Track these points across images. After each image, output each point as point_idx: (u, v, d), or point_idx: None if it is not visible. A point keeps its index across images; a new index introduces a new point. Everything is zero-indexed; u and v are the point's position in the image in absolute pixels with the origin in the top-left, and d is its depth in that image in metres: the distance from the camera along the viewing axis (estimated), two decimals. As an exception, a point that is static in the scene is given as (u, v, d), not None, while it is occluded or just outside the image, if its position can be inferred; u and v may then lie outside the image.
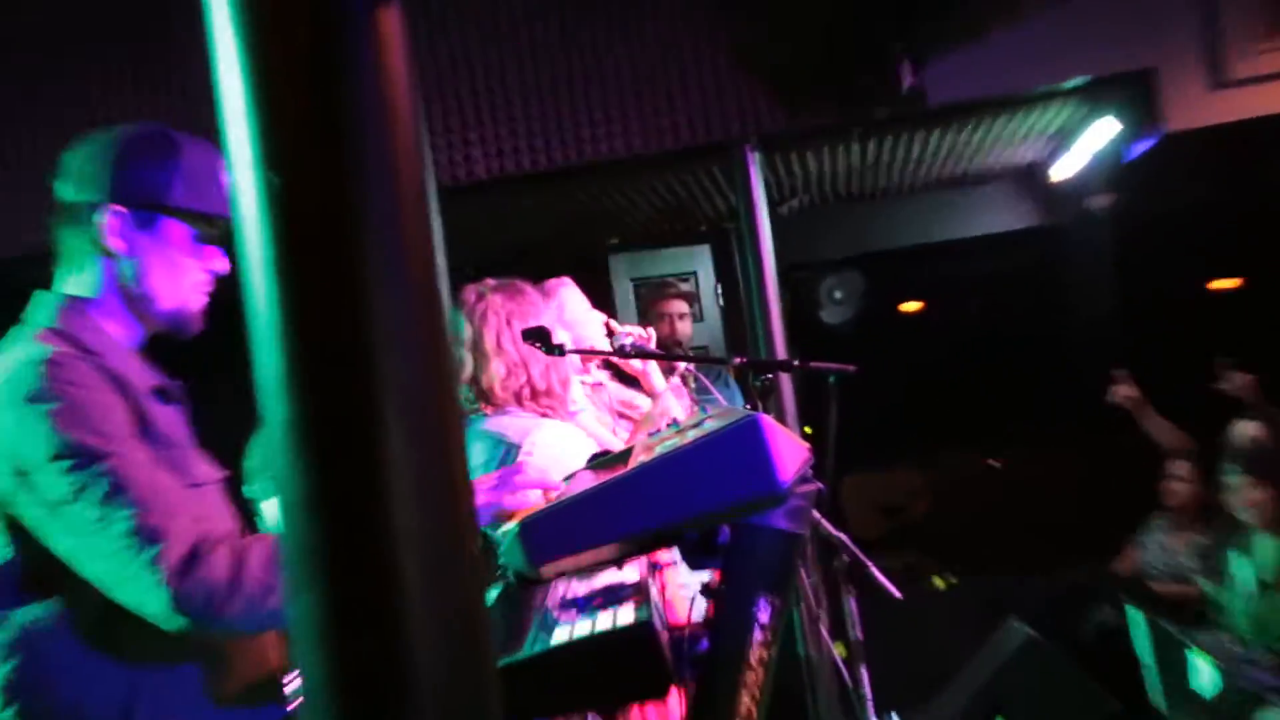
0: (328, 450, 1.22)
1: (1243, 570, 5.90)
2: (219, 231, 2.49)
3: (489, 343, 3.80)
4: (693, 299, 6.92)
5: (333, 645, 1.23)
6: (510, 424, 3.77)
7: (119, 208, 2.39)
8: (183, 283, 2.48)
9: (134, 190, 2.41)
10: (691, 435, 2.13)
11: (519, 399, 3.82)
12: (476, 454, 3.71)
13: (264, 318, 1.24)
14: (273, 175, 1.22)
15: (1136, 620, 6.38)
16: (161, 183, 2.42)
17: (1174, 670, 5.61)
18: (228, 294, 2.51)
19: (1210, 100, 5.83)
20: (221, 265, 2.51)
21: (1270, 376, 6.59)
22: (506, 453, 3.65)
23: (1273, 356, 6.91)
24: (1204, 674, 5.17)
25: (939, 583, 7.71)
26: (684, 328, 6.53)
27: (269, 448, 1.25)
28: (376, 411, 1.22)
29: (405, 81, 1.27)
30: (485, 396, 3.81)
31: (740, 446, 1.97)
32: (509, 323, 3.81)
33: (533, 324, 3.73)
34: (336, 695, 1.23)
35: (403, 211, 1.26)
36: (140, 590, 2.15)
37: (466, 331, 3.79)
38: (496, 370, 3.77)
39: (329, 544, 1.23)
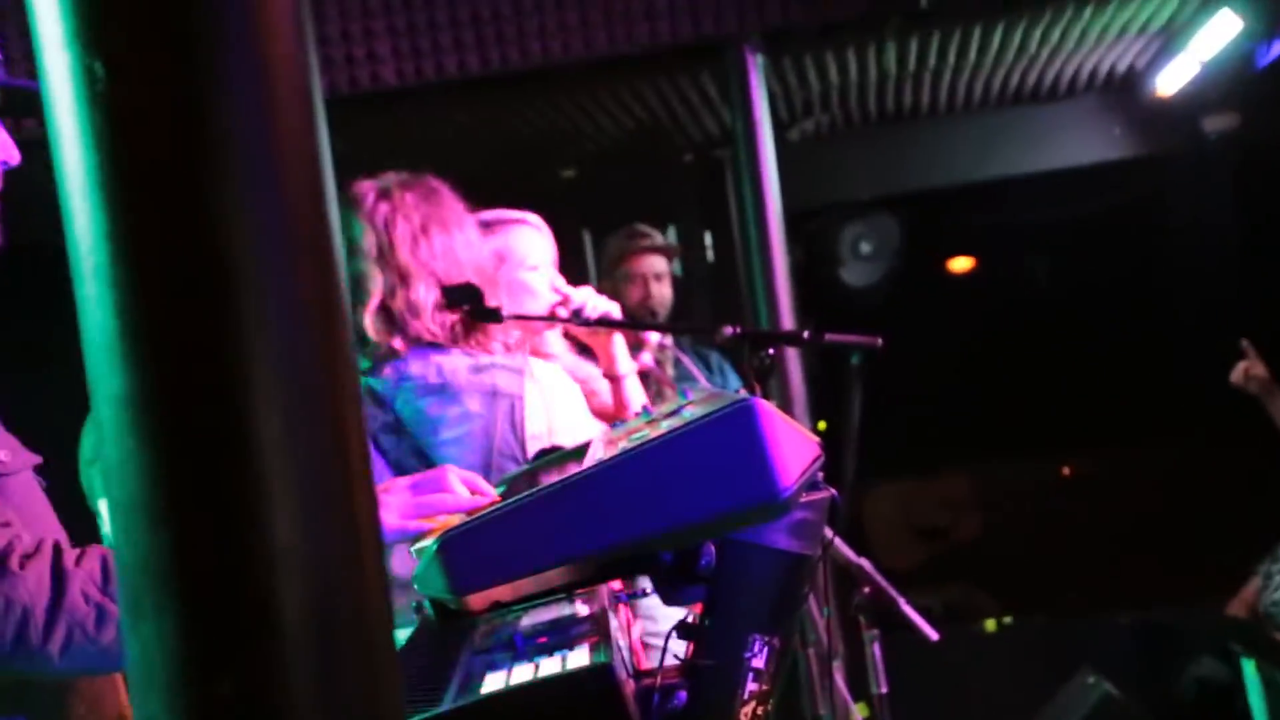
0: (178, 433, 1.21)
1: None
2: None
3: (403, 255, 3.74)
4: (673, 254, 6.75)
5: (183, 691, 1.22)
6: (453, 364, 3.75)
7: None
8: None
9: None
10: (666, 426, 2.13)
11: (453, 335, 3.80)
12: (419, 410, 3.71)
13: (90, 257, 1.23)
14: (95, 63, 1.21)
15: (1252, 674, 6.44)
16: None
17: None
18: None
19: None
20: (6, 152, 2.49)
21: None
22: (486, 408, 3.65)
23: None
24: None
25: (990, 625, 7.75)
26: (661, 292, 6.26)
27: (100, 431, 1.24)
28: (244, 381, 1.21)
29: None
30: (404, 329, 3.76)
31: (729, 440, 1.96)
32: (425, 231, 3.77)
33: (458, 250, 3.68)
34: None
35: (276, 116, 1.24)
36: None
37: (368, 239, 3.73)
38: (422, 295, 3.72)
39: (179, 557, 1.22)
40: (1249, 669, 6.51)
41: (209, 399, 1.20)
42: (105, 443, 1.25)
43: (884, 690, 4.85)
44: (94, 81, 1.20)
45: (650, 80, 6.43)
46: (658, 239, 6.27)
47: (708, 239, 7.83)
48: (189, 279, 1.20)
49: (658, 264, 6.15)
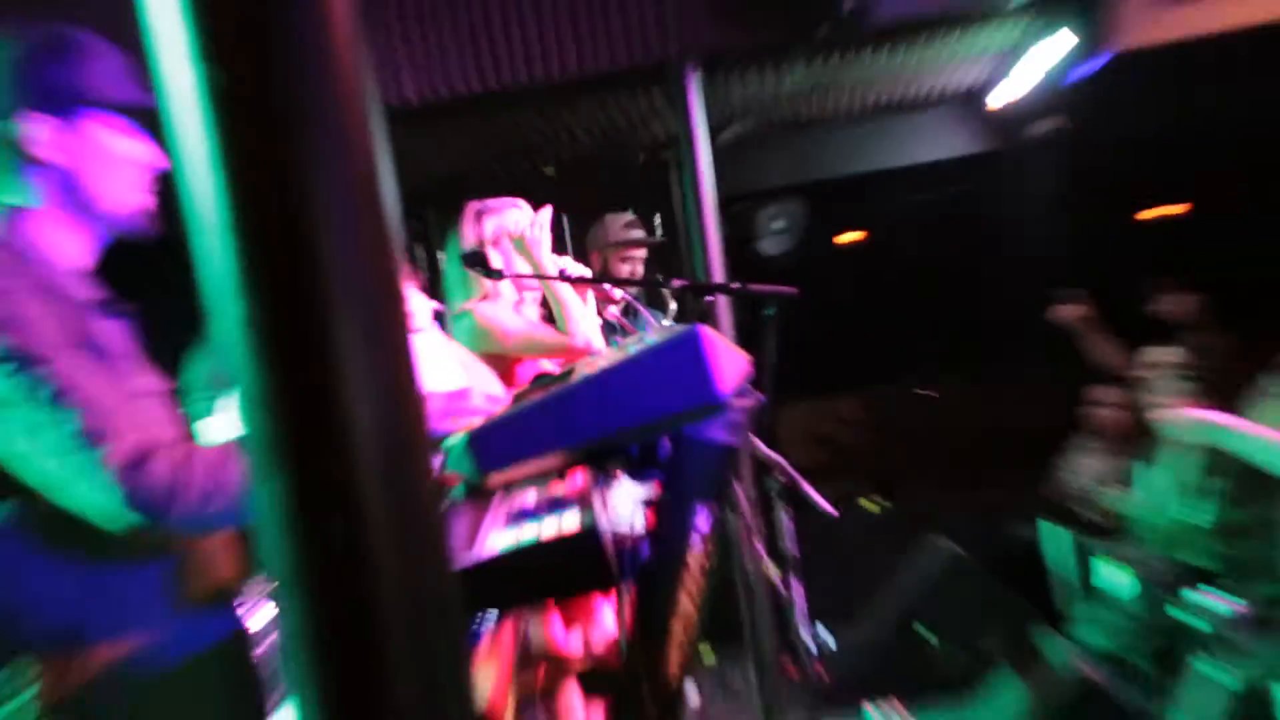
0: (282, 343, 1.25)
1: (1154, 484, 6.07)
2: (139, 122, 2.48)
3: None
4: (655, 245, 6.68)
5: (298, 529, 1.26)
6: None
7: (36, 114, 2.38)
8: (119, 180, 2.47)
9: (47, 93, 2.39)
10: (633, 350, 2.17)
11: None
12: None
13: (210, 216, 1.25)
14: (216, 70, 1.22)
15: (1053, 535, 6.57)
16: (73, 81, 2.41)
17: (1087, 580, 5.77)
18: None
19: (1162, 15, 5.87)
20: (156, 158, 2.51)
21: (1213, 299, 6.71)
22: None
23: (1216, 280, 7.04)
24: (1117, 581, 5.32)
25: (870, 506, 7.81)
26: (639, 269, 6.31)
27: (222, 347, 1.27)
28: (328, 304, 1.24)
29: None
30: None
31: (680, 357, 1.98)
32: None
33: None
34: (305, 574, 1.26)
35: (346, 110, 1.27)
36: (88, 490, 2.17)
37: None
38: None
39: (291, 432, 1.26)
40: (1049, 529, 6.67)
41: (298, 320, 1.24)
42: (229, 353, 1.26)
43: (794, 551, 4.91)
44: (214, 83, 1.22)
45: (611, 95, 6.39)
46: (646, 235, 6.24)
47: (657, 220, 7.79)
48: (282, 232, 1.24)
49: (642, 250, 6.18)
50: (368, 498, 1.26)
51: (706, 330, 2.00)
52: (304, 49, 1.26)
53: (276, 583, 1.30)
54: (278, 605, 1.30)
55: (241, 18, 1.24)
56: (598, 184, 7.55)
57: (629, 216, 6.13)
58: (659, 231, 7.78)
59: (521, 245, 4.38)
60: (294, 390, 1.27)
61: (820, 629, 6.10)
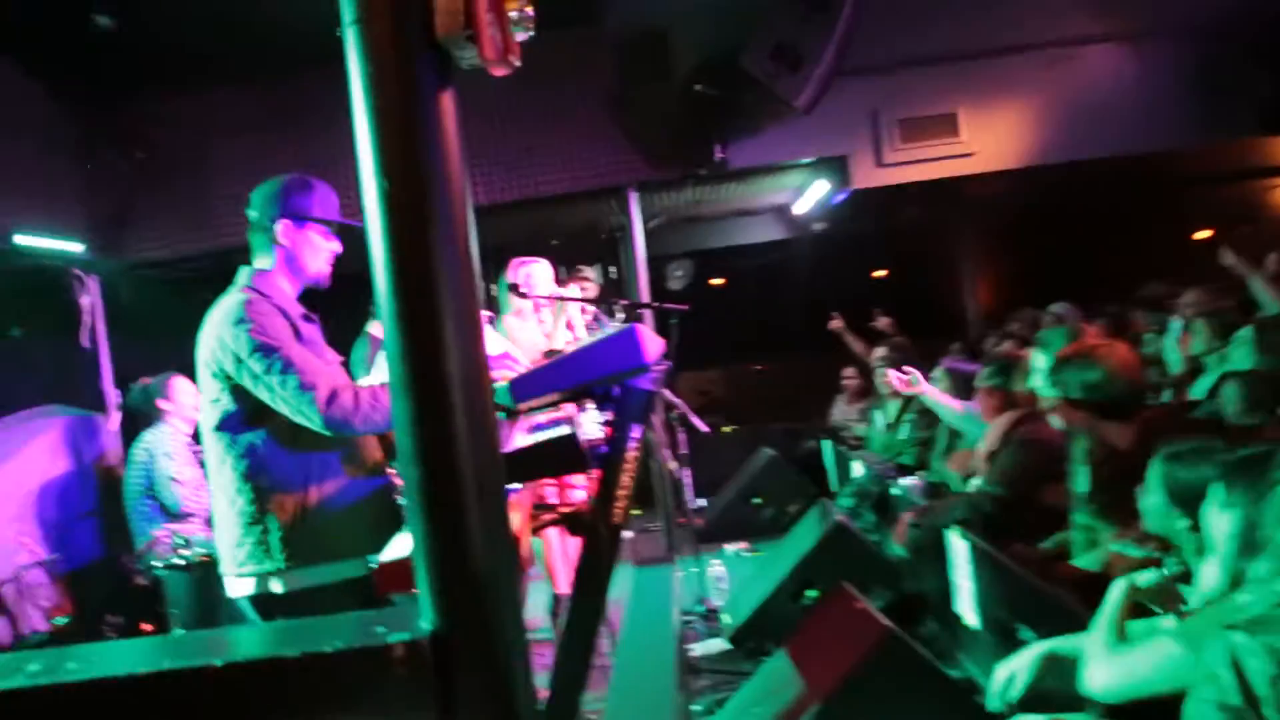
0: (415, 327, 1.28)
1: (878, 419, 6.21)
2: (335, 229, 2.58)
3: None
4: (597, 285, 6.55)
5: (418, 431, 1.28)
6: None
7: (285, 220, 2.51)
8: (318, 257, 2.57)
9: (292, 209, 2.52)
10: (598, 337, 2.21)
11: None
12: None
13: (382, 264, 1.28)
14: (385, 180, 1.27)
15: (827, 447, 6.67)
16: (305, 204, 2.53)
17: (844, 471, 5.87)
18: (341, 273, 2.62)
19: (875, 173, 5.98)
20: (337, 247, 2.60)
21: (899, 321, 6.98)
22: None
23: (902, 311, 7.24)
24: (859, 472, 5.42)
25: (727, 430, 7.84)
26: (592, 291, 6.24)
27: (383, 341, 1.31)
28: (439, 311, 1.27)
29: (454, 128, 1.30)
30: None
31: (625, 340, 2.00)
32: None
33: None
34: (422, 456, 1.28)
35: (454, 204, 1.30)
36: (307, 416, 2.29)
37: None
38: None
39: (415, 379, 1.28)
40: (825, 444, 6.73)
41: (425, 319, 1.26)
42: (388, 343, 1.29)
43: (685, 452, 5.00)
44: (383, 189, 1.27)
45: (587, 202, 6.23)
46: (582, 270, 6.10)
47: (612, 269, 7.67)
48: (421, 269, 1.27)
49: (588, 274, 6.05)
50: (456, 414, 1.28)
51: (639, 327, 2.02)
52: (433, 173, 1.28)
53: (403, 463, 1.31)
54: (403, 474, 1.32)
55: (400, 149, 1.27)
56: (583, 250, 7.40)
57: (589, 269, 6.04)
58: (613, 275, 7.72)
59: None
60: (418, 355, 1.29)
61: (699, 499, 6.16)
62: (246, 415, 2.39)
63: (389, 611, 1.70)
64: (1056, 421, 3.43)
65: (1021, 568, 3.01)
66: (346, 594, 2.34)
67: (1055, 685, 2.12)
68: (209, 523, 3.65)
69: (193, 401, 4.54)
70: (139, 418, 4.83)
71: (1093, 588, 2.88)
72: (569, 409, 2.33)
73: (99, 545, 5.15)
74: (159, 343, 5.43)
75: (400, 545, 2.24)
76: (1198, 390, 4.43)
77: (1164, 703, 1.83)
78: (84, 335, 5.47)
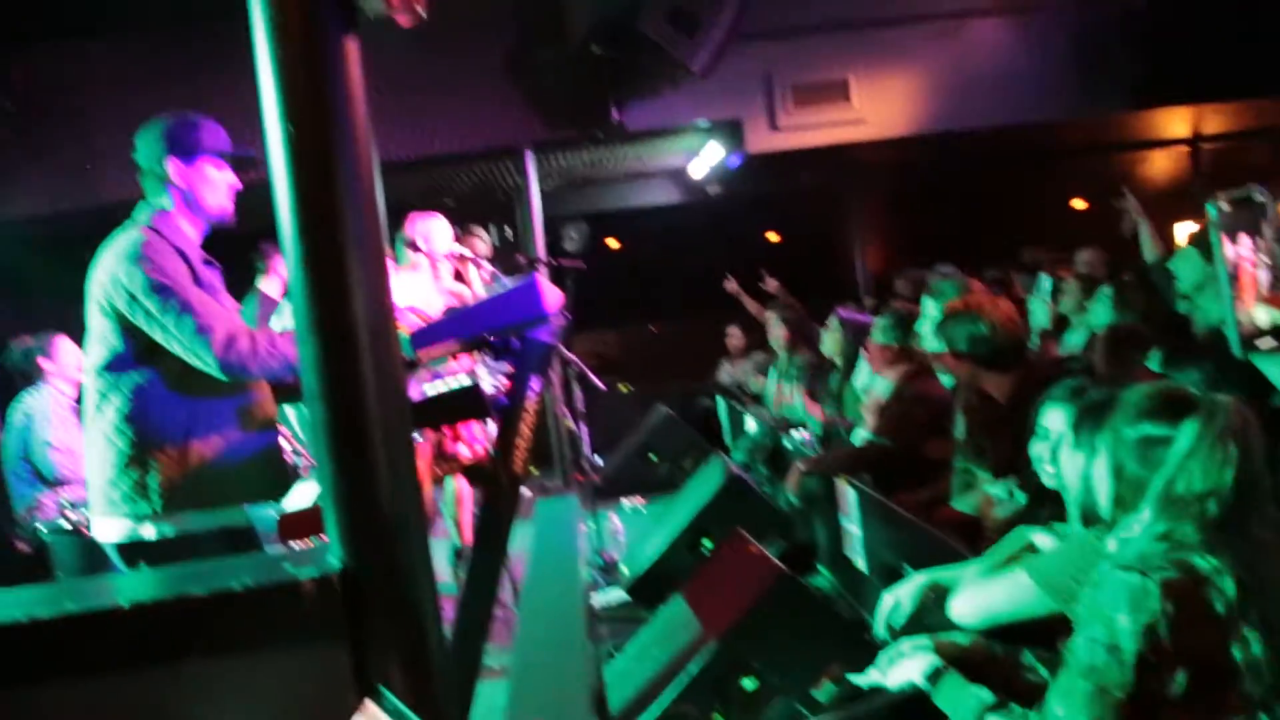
0: (321, 270, 1.28)
1: (772, 378, 6.34)
2: (230, 162, 2.49)
3: None
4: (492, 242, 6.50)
5: (324, 374, 1.29)
6: None
7: (174, 158, 2.42)
8: (216, 192, 2.47)
9: (180, 146, 2.43)
10: (499, 289, 2.22)
11: None
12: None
13: (287, 206, 1.28)
14: (290, 125, 1.27)
15: (720, 403, 6.78)
16: (193, 139, 2.44)
17: (738, 426, 5.99)
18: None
19: (769, 138, 6.09)
20: (234, 180, 2.51)
21: (791, 284, 7.01)
22: None
23: (794, 273, 7.34)
24: (751, 427, 5.55)
25: (623, 388, 7.91)
26: (485, 251, 6.16)
27: (287, 287, 1.30)
28: (344, 252, 1.27)
29: (359, 75, 1.32)
30: None
31: (526, 291, 2.02)
32: None
33: None
34: (328, 398, 1.29)
35: (359, 149, 1.30)
36: (202, 358, 2.24)
37: None
38: None
39: (321, 320, 1.28)
40: (719, 401, 6.84)
41: (330, 262, 1.26)
42: (291, 279, 1.30)
43: (581, 408, 5.02)
44: (288, 133, 1.27)
45: (483, 162, 6.18)
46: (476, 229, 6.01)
47: (508, 229, 7.56)
48: (325, 209, 1.27)
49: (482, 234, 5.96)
50: (362, 358, 1.28)
51: (539, 277, 2.05)
52: (338, 118, 1.29)
53: (310, 403, 1.30)
54: (310, 415, 1.33)
55: (304, 94, 1.27)
56: (479, 209, 7.26)
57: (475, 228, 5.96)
58: (509, 236, 7.63)
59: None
60: (325, 297, 1.29)
61: (595, 455, 6.19)
62: (135, 355, 2.31)
63: (296, 552, 1.70)
64: (945, 377, 3.57)
65: (906, 513, 3.14)
66: (222, 544, 2.29)
67: (935, 615, 2.23)
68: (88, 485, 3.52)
69: (76, 362, 4.37)
70: (18, 378, 4.61)
71: (971, 529, 3.05)
72: (469, 359, 2.30)
73: (-26, 509, 4.90)
74: (37, 303, 5.17)
75: (303, 495, 2.21)
76: (1066, 346, 4.66)
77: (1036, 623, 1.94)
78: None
